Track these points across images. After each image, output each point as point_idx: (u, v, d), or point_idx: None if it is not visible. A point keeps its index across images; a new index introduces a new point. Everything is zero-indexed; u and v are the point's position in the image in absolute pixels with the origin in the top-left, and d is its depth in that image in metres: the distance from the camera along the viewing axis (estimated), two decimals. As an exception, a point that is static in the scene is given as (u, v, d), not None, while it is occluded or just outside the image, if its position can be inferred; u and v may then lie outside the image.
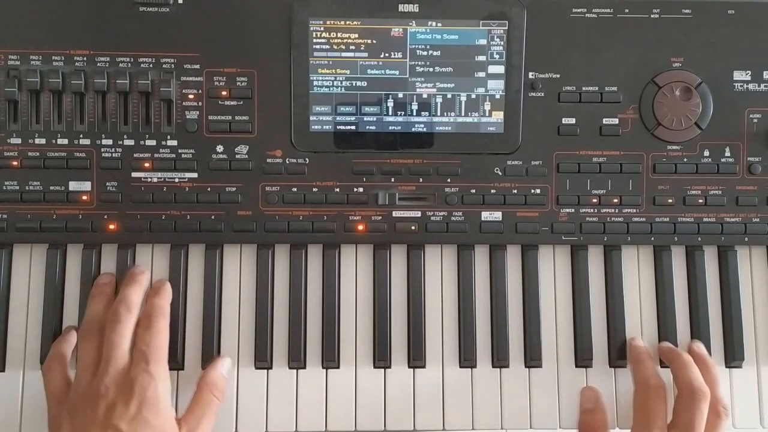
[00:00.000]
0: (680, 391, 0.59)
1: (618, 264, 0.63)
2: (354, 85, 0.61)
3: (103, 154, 0.60)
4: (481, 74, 0.62)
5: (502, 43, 0.61)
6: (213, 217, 0.61)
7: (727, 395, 0.61)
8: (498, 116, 0.62)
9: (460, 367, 0.62)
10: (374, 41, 0.61)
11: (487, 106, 0.62)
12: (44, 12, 0.60)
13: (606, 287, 0.64)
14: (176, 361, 0.60)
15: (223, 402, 0.59)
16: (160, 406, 0.54)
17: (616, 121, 0.63)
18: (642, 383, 0.60)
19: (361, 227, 0.62)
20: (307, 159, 0.62)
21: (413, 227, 0.61)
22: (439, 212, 0.62)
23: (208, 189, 0.61)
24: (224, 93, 0.61)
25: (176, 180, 0.61)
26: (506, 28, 0.61)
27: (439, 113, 0.62)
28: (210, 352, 0.61)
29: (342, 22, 0.61)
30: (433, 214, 0.62)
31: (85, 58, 0.60)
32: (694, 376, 0.59)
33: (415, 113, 0.62)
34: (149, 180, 0.61)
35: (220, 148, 0.61)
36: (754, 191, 0.63)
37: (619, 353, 0.63)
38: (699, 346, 0.62)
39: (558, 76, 0.62)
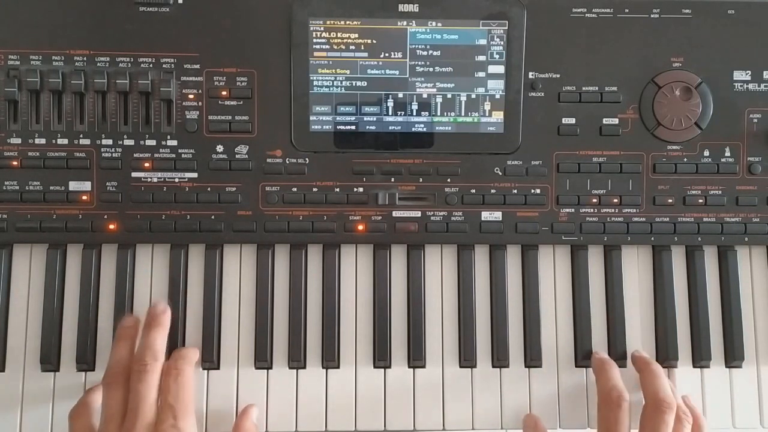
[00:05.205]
0: (646, 402, 0.59)
1: (618, 264, 0.63)
2: (354, 85, 0.61)
3: (103, 154, 0.60)
4: (481, 74, 0.62)
5: (502, 43, 0.61)
6: (213, 217, 0.61)
7: (697, 400, 0.62)
8: (498, 116, 0.62)
9: (460, 367, 0.62)
10: (374, 41, 0.61)
11: (487, 106, 0.62)
12: (44, 12, 0.60)
13: (606, 287, 0.64)
14: (176, 361, 0.60)
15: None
16: None
17: (616, 121, 0.63)
18: (604, 395, 0.59)
19: (361, 227, 0.62)
20: (307, 159, 0.62)
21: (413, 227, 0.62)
22: (439, 212, 0.62)
23: (208, 189, 0.61)
24: (224, 93, 0.61)
25: (176, 180, 0.61)
26: (506, 28, 0.61)
27: (439, 113, 0.62)
28: (210, 352, 0.61)
29: (342, 22, 0.61)
30: (433, 214, 0.62)
31: (85, 58, 0.60)
32: (660, 386, 0.58)
33: (415, 113, 0.62)
34: (149, 180, 0.61)
35: (220, 148, 0.61)
36: (754, 191, 0.63)
37: (620, 353, 0.63)
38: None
39: (558, 76, 0.62)
